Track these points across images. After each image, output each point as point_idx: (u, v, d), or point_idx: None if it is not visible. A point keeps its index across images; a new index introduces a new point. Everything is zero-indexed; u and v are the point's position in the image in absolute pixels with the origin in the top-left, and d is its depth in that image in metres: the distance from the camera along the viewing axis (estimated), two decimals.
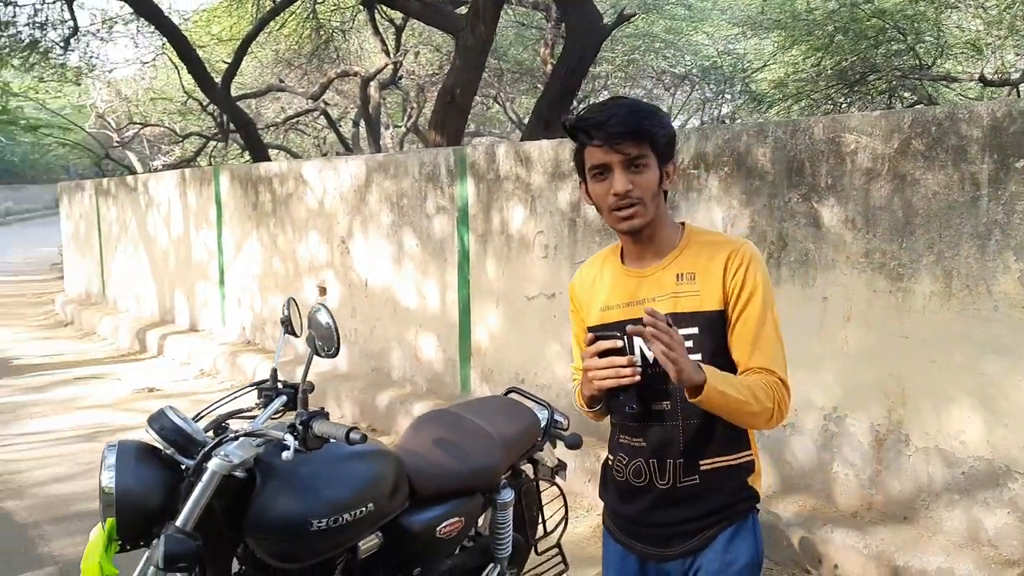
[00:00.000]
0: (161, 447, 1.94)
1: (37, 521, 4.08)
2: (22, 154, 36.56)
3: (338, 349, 1.99)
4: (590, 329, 1.69)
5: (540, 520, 3.06)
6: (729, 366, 1.68)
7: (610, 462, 1.91)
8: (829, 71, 12.12)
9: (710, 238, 1.74)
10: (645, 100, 1.76)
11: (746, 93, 16.55)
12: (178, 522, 1.81)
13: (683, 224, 1.78)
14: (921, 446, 3.12)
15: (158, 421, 1.95)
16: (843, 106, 12.74)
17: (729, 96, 18.94)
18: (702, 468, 1.70)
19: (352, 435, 1.79)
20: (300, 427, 1.90)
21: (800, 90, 12.93)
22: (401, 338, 5.65)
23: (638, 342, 1.67)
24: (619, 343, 1.60)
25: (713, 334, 1.67)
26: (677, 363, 1.50)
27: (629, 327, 1.59)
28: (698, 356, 1.64)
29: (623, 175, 1.64)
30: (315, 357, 2.02)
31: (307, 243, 6.53)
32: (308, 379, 2.15)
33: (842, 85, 12.25)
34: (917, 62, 11.14)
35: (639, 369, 1.61)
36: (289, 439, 1.85)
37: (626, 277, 1.76)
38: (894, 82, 11.80)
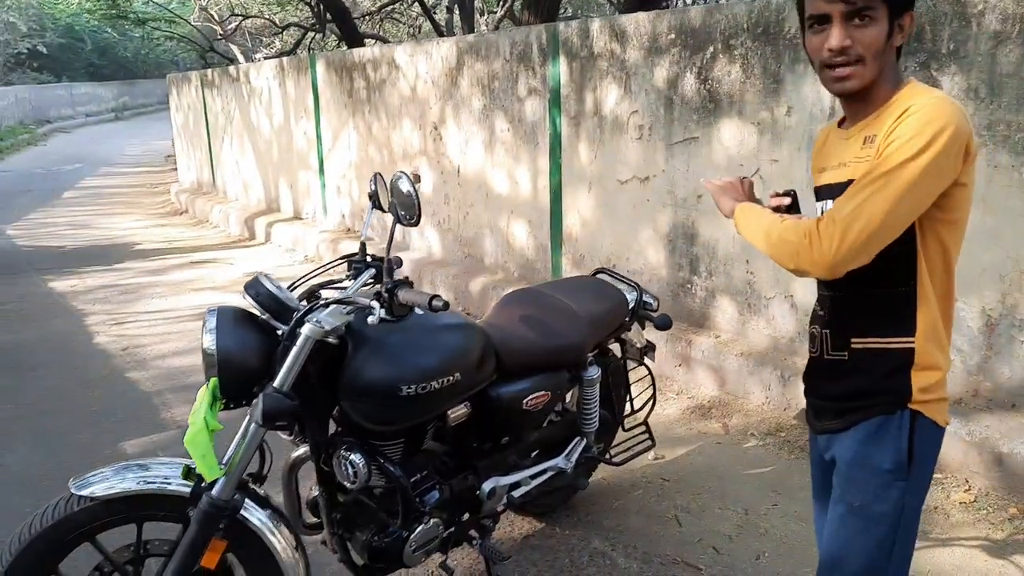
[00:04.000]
0: (258, 312, 2.03)
1: (160, 390, 4.42)
2: (134, 50, 37.86)
3: (420, 217, 1.99)
4: (815, 189, 1.64)
5: (628, 399, 3.08)
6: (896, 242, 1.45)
7: None
8: None
9: (911, 95, 1.45)
10: None
11: None
12: (275, 383, 1.91)
13: (907, 82, 1.51)
14: None
15: (254, 288, 2.03)
16: None
17: None
18: (853, 345, 1.57)
19: (435, 302, 1.81)
20: (385, 295, 1.93)
21: None
22: (493, 224, 5.66)
23: (820, 204, 1.60)
24: (786, 201, 1.66)
25: None
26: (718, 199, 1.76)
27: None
28: None
29: (841, 28, 1.44)
30: (398, 225, 2.04)
31: (401, 130, 6.55)
32: (401, 259, 2.18)
33: None
34: None
35: None
36: (375, 305, 1.89)
37: (835, 139, 1.61)
38: None
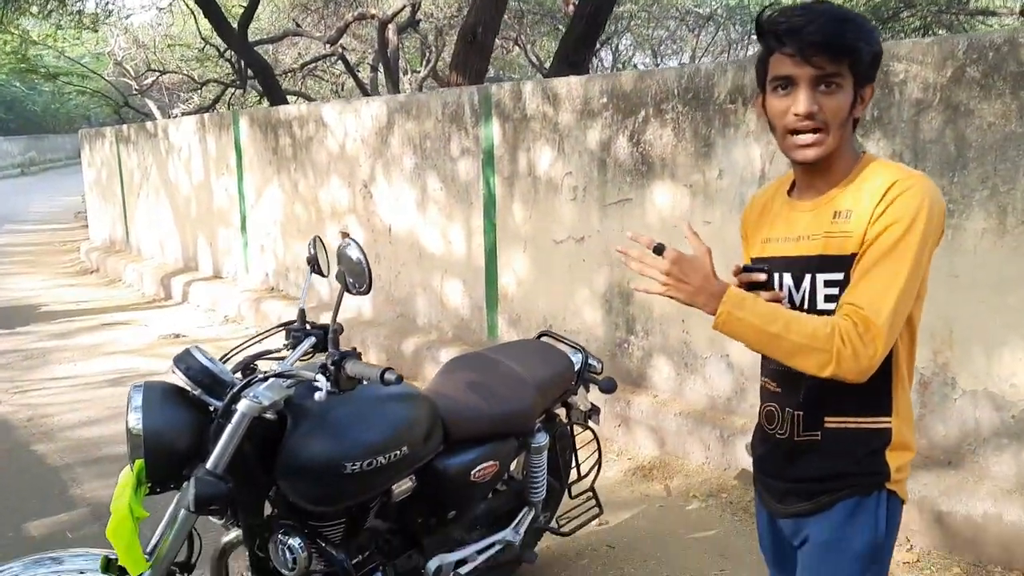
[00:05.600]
0: (188, 388, 1.88)
1: (69, 464, 4.10)
2: (43, 104, 36.63)
3: (370, 286, 1.90)
4: (752, 260, 1.58)
5: (574, 464, 3.01)
6: None
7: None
8: (861, 6, 11.70)
9: (882, 171, 1.42)
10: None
11: None
12: (208, 464, 1.76)
13: (864, 154, 1.50)
14: (969, 389, 3.01)
15: (184, 361, 1.88)
16: None
17: (755, 36, 18.38)
18: (826, 425, 1.49)
19: (387, 375, 1.71)
20: (332, 367, 1.82)
21: None
22: (427, 284, 5.57)
23: (787, 282, 1.51)
24: (762, 276, 1.51)
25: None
26: (669, 293, 1.44)
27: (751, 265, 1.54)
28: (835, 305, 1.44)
29: (809, 93, 1.39)
30: (346, 294, 1.94)
31: (329, 188, 6.43)
32: (342, 326, 2.07)
33: (875, 21, 11.82)
34: None
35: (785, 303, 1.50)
36: (321, 379, 1.78)
37: (790, 209, 1.54)
38: (929, 18, 11.36)
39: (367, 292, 1.91)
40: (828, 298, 1.45)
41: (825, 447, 1.50)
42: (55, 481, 3.91)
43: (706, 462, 3.84)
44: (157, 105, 20.66)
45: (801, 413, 1.52)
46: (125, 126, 10.39)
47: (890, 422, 1.48)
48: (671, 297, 1.45)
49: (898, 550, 3.02)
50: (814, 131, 1.41)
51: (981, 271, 2.94)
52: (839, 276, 1.43)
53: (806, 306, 1.48)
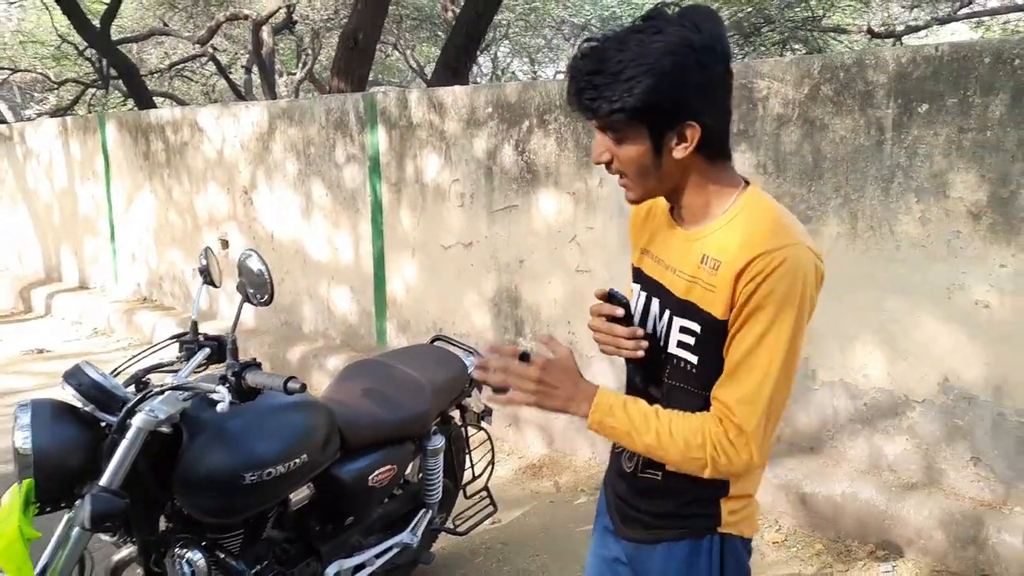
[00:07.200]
0: (79, 404, 1.84)
1: None
2: None
3: (272, 296, 1.91)
4: (632, 267, 1.51)
5: (468, 464, 3.08)
6: None
7: None
8: (726, 21, 12.38)
9: (756, 225, 1.29)
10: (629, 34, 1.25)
11: None
12: (103, 481, 1.73)
13: (746, 186, 1.35)
14: (827, 380, 3.29)
15: (75, 377, 1.83)
16: (739, 58, 13.07)
17: None
18: (668, 467, 1.41)
19: (291, 384, 1.73)
20: (233, 378, 1.82)
21: None
22: (312, 291, 5.51)
23: (643, 293, 1.44)
24: (618, 312, 1.40)
25: (716, 343, 1.32)
26: (541, 402, 1.34)
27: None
28: (694, 359, 1.35)
29: (600, 140, 1.32)
30: (246, 304, 1.94)
31: (206, 195, 6.24)
32: (236, 339, 2.06)
33: (737, 36, 12.54)
34: (810, 13, 11.51)
35: (643, 343, 1.40)
36: (222, 391, 1.78)
37: (669, 227, 1.43)
38: (787, 34, 12.18)
39: (269, 303, 1.92)
40: (680, 344, 1.36)
41: (664, 486, 1.45)
42: None
43: (593, 457, 4.01)
44: (8, 106, 19.25)
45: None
46: None
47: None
48: (541, 407, 1.35)
49: (767, 531, 3.27)
50: (620, 175, 1.35)
51: (835, 273, 3.21)
52: (696, 327, 1.34)
53: (661, 342, 1.41)
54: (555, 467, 4.04)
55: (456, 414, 2.97)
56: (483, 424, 3.04)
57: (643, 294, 1.46)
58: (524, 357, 1.34)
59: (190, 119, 6.28)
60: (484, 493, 3.09)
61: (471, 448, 3.07)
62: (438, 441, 2.71)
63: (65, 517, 1.80)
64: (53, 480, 1.73)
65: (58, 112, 15.25)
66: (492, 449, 3.14)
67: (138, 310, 6.76)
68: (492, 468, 3.13)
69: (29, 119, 13.84)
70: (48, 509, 1.77)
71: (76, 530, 1.72)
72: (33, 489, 1.70)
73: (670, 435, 1.30)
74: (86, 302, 7.34)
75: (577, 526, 3.46)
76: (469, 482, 3.09)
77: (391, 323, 5.02)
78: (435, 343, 3.02)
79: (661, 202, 1.45)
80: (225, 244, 6.19)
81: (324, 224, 5.31)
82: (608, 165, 1.35)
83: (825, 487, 3.18)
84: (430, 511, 2.77)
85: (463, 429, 3.00)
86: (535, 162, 4.14)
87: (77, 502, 1.77)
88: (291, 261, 5.59)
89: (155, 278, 7.00)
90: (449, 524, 3.00)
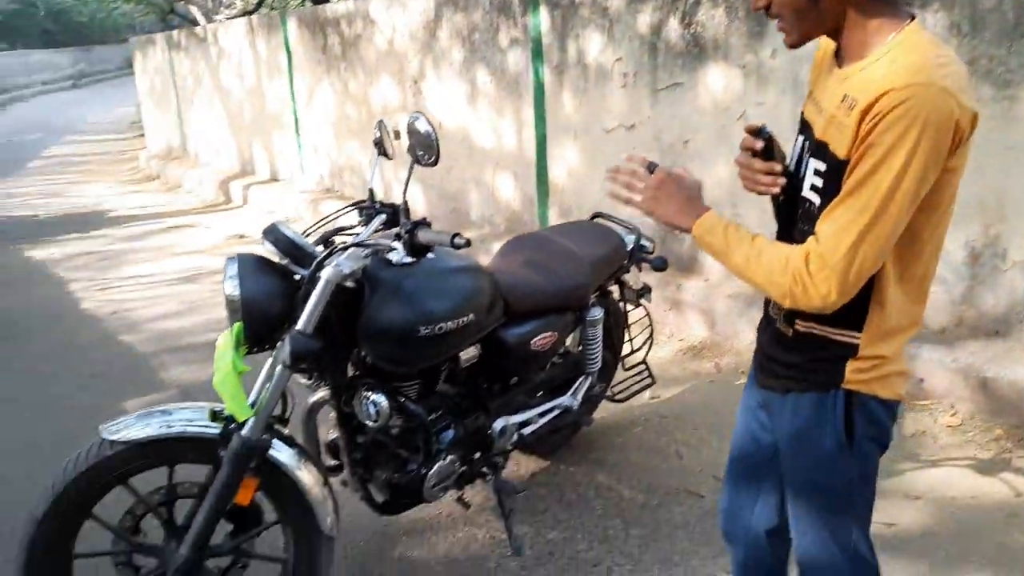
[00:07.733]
0: (276, 258, 2.06)
1: (155, 351, 4.43)
2: (89, 14, 36.72)
3: (438, 156, 2.03)
4: (761, 128, 1.48)
5: (627, 339, 3.17)
6: None
7: None
8: None
9: (897, 63, 1.23)
10: None
11: None
12: (299, 325, 1.95)
13: (908, 24, 1.28)
14: (1019, 260, 3.05)
15: (272, 233, 2.06)
16: None
17: None
18: (796, 326, 1.46)
19: (457, 239, 1.85)
20: (406, 235, 1.97)
21: None
22: (478, 178, 5.68)
23: (799, 138, 1.44)
24: (758, 144, 1.43)
25: (838, 186, 1.30)
26: (647, 206, 1.44)
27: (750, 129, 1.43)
28: (819, 201, 1.35)
29: None
30: (416, 166, 2.07)
31: (379, 86, 6.49)
32: (408, 203, 2.21)
33: None
34: None
35: (780, 180, 1.43)
36: (398, 246, 1.93)
37: (828, 71, 1.42)
38: None
39: (435, 163, 2.04)
40: (812, 187, 1.37)
41: (792, 343, 1.49)
42: (145, 368, 4.23)
43: (755, 340, 3.97)
44: (201, 11, 20.57)
45: (780, 308, 1.50)
46: (175, 32, 10.47)
47: (858, 339, 1.41)
48: (652, 214, 1.46)
49: (942, 415, 3.15)
50: (779, 20, 1.35)
51: None
52: (823, 168, 1.34)
53: (800, 185, 1.42)
54: (716, 349, 4.05)
55: (615, 289, 3.04)
56: (642, 301, 3.09)
57: (800, 137, 1.46)
58: (651, 168, 1.47)
59: (363, 11, 6.48)
60: (643, 366, 3.17)
61: (629, 324, 3.14)
62: (597, 313, 2.80)
63: (270, 358, 2.06)
64: (258, 323, 1.97)
65: (245, 14, 16.12)
66: (651, 324, 3.20)
67: (323, 200, 7.26)
68: (651, 343, 3.20)
69: (223, 22, 14.76)
70: (255, 349, 2.03)
71: (279, 368, 1.96)
72: (242, 331, 1.96)
73: (759, 259, 1.36)
74: (277, 193, 7.96)
75: (737, 405, 3.48)
76: (628, 355, 3.18)
77: (553, 209, 5.11)
78: (595, 219, 3.07)
79: (831, 45, 1.42)
80: (397, 135, 6.44)
81: (488, 111, 5.41)
82: (767, 10, 1.35)
83: (1010, 371, 3.00)
84: (590, 378, 2.90)
85: (622, 304, 3.07)
86: (702, 35, 3.98)
87: (279, 344, 2.01)
88: (458, 149, 5.77)
89: (336, 169, 7.45)
90: (608, 393, 3.12)
